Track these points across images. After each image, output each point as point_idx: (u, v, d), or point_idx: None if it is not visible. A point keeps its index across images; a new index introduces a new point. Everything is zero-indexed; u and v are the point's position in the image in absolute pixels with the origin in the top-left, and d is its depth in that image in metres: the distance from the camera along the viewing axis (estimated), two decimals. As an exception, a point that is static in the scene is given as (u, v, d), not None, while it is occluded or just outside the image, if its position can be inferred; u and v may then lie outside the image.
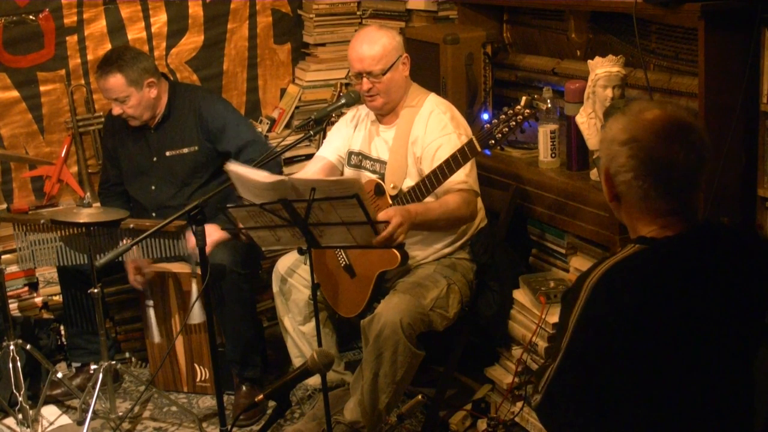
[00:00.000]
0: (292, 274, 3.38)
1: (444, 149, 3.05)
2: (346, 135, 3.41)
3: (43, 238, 3.34)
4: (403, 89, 3.23)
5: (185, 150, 3.66)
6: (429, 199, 3.07)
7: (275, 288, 3.45)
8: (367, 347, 3.02)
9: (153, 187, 3.71)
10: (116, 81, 3.52)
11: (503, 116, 2.81)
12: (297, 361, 3.44)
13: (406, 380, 3.06)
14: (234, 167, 2.76)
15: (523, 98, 2.81)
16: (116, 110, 3.58)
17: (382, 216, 2.80)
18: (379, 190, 3.13)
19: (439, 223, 3.06)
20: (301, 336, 3.40)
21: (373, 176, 3.23)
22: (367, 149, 3.31)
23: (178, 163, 3.67)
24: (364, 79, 3.15)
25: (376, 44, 3.13)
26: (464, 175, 3.05)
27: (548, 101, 3.34)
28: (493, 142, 2.83)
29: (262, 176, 2.65)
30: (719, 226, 2.14)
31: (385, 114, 3.28)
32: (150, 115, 3.63)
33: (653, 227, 1.91)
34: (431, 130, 3.13)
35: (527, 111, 2.79)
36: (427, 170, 3.07)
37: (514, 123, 2.80)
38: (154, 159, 3.69)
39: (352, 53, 3.18)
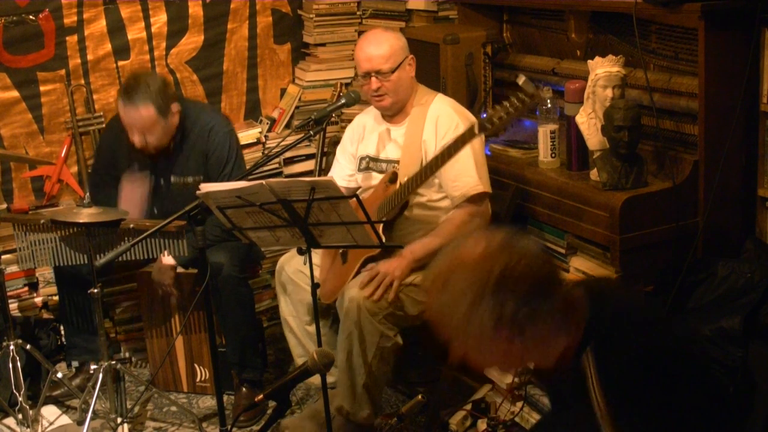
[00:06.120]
0: (297, 273, 3.37)
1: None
2: (351, 152, 3.44)
3: (43, 238, 3.33)
4: (411, 90, 3.25)
5: (189, 179, 3.56)
6: (433, 191, 3.10)
7: (279, 287, 3.44)
8: (340, 327, 3.05)
9: (155, 211, 3.63)
10: (148, 112, 3.36)
11: (504, 102, 2.82)
12: (300, 361, 3.42)
13: (382, 363, 3.05)
14: (206, 187, 2.75)
15: (524, 79, 2.80)
16: (138, 142, 3.41)
17: (383, 266, 3.02)
18: (393, 179, 3.16)
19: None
20: (306, 336, 3.39)
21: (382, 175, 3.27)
22: (376, 152, 3.33)
23: (181, 190, 3.58)
24: (373, 79, 3.17)
25: (383, 44, 3.17)
26: (477, 178, 3.10)
27: (548, 102, 3.35)
28: (489, 126, 2.82)
29: (240, 184, 2.68)
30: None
31: (393, 114, 3.29)
32: (166, 143, 3.52)
33: (565, 329, 1.80)
34: (443, 131, 3.15)
35: (526, 98, 2.78)
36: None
37: (512, 109, 2.79)
38: (161, 181, 3.61)
39: (360, 54, 3.20)
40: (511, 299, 1.71)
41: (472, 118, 3.24)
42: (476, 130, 2.86)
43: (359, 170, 3.39)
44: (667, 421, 1.72)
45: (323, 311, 3.33)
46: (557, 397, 2.07)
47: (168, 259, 3.46)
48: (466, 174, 3.10)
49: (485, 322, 1.72)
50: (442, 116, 3.18)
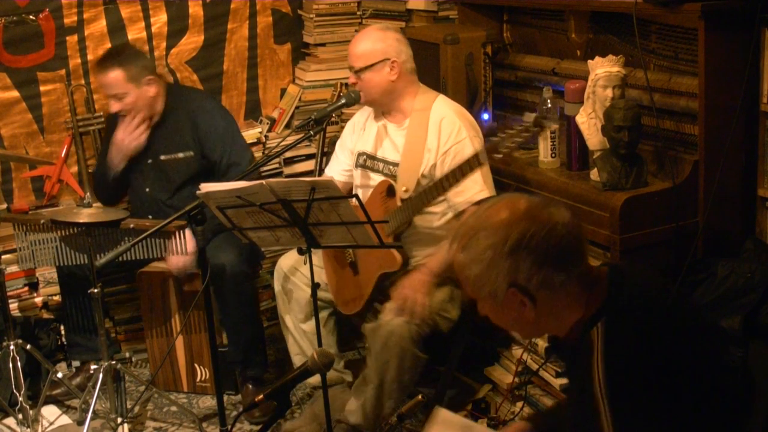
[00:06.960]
0: (295, 272, 3.38)
1: (460, 157, 3.06)
2: (350, 147, 3.44)
3: (43, 238, 3.34)
4: (387, 93, 3.22)
5: (180, 155, 3.65)
6: (438, 209, 3.12)
7: (277, 286, 3.45)
8: (373, 354, 3.03)
9: (147, 189, 3.70)
10: (115, 76, 3.52)
11: (512, 131, 2.81)
12: (297, 359, 3.44)
13: (411, 383, 3.09)
14: (207, 187, 2.76)
15: (533, 116, 2.79)
16: (114, 107, 3.57)
17: (406, 289, 2.99)
18: (390, 192, 3.15)
19: None
20: (302, 334, 3.40)
21: (380, 177, 3.25)
22: (374, 150, 3.32)
23: (172, 167, 3.66)
24: (351, 74, 3.23)
25: (363, 42, 3.20)
26: (482, 182, 3.09)
27: (548, 102, 3.34)
28: (499, 156, 2.84)
29: (240, 184, 2.68)
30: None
31: (385, 112, 3.29)
32: (148, 114, 3.61)
33: (580, 302, 1.81)
34: (445, 139, 3.14)
35: (534, 129, 2.78)
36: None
37: (519, 139, 2.79)
38: (149, 161, 3.68)
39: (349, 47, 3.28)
40: (525, 266, 1.75)
41: (473, 122, 3.24)
42: (482, 161, 2.85)
43: (356, 167, 3.38)
44: (664, 410, 1.72)
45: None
46: (568, 367, 2.08)
47: (176, 260, 3.45)
48: (471, 179, 3.08)
49: (498, 285, 1.77)
50: (445, 119, 3.17)
